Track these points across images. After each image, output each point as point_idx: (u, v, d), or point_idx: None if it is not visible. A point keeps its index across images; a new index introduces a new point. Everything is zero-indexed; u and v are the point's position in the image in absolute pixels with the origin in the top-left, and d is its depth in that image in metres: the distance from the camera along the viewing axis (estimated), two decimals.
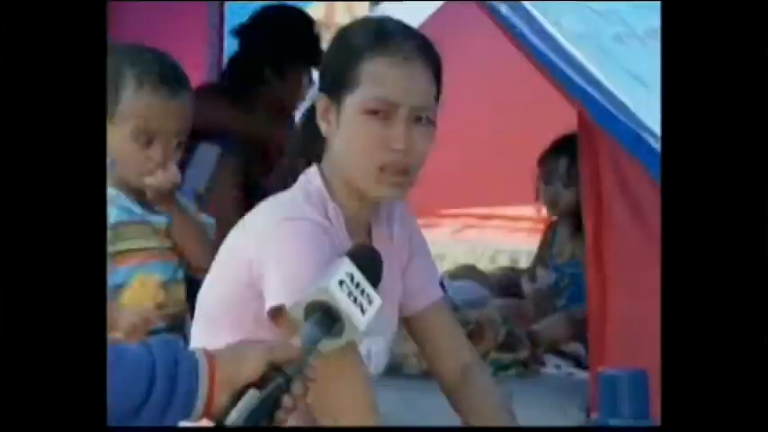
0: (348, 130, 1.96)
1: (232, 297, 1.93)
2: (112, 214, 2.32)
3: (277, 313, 1.84)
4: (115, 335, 2.17)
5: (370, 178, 1.95)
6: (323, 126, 2.00)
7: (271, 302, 1.84)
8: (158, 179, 2.33)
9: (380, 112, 1.93)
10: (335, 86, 1.97)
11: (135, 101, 2.31)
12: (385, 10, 5.18)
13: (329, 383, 1.58)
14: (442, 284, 2.22)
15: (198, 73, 4.03)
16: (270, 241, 1.90)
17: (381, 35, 1.99)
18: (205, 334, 1.94)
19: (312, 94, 2.08)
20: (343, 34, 2.05)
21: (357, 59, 1.95)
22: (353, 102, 1.95)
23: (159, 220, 2.39)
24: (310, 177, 2.01)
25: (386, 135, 1.93)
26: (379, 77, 1.94)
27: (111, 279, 2.27)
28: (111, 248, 2.27)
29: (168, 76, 2.35)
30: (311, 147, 2.04)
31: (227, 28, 4.43)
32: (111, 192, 2.29)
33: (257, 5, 4.61)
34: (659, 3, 2.41)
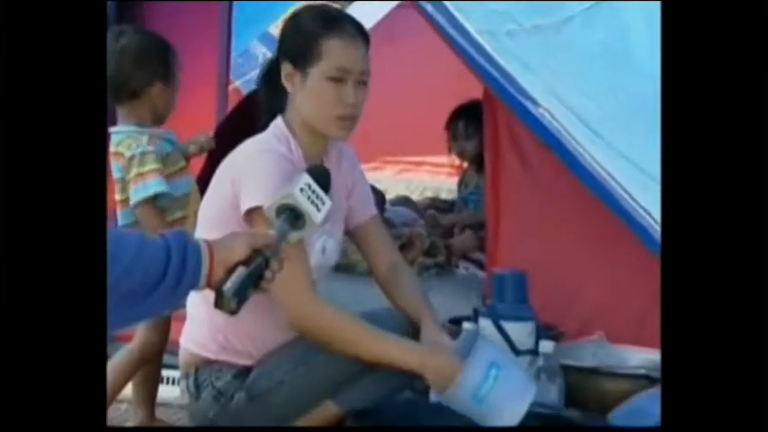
0: (313, 92, 1.96)
1: (221, 206, 1.93)
2: (164, 147, 2.38)
3: (250, 216, 1.86)
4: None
5: (330, 124, 1.97)
6: (288, 86, 1.99)
7: (245, 206, 1.86)
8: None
9: (337, 78, 1.94)
10: (300, 59, 1.96)
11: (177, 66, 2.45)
12: (353, 8, 5.10)
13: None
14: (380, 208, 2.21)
15: (211, 70, 3.84)
16: (247, 166, 1.92)
17: (334, 20, 1.99)
18: (202, 232, 1.94)
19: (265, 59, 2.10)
20: (301, 17, 2.03)
21: (318, 39, 1.95)
22: (318, 71, 1.95)
23: (185, 149, 2.50)
24: (278, 123, 2.02)
25: (341, 94, 1.95)
26: (336, 53, 1.95)
27: (182, 187, 2.39)
28: (172, 168, 2.38)
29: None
30: (274, 101, 2.03)
31: (235, 26, 4.03)
32: (161, 132, 2.40)
33: (265, 5, 4.43)
34: (544, 3, 2.40)
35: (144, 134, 2.37)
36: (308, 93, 1.96)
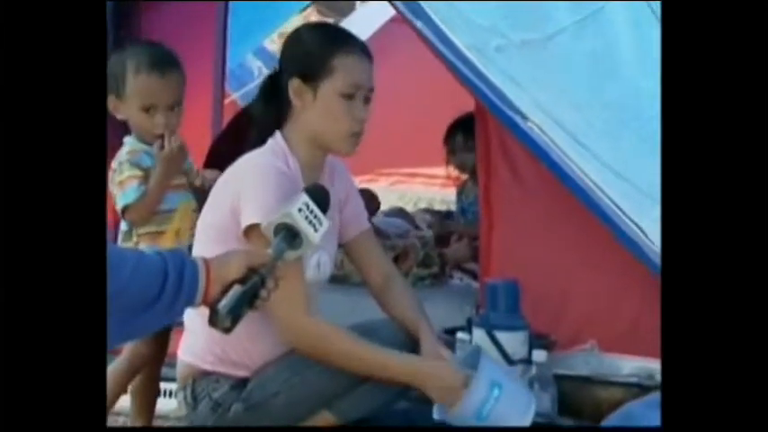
0: (326, 108, 1.95)
1: (221, 220, 1.94)
2: (144, 160, 2.28)
3: (249, 232, 1.85)
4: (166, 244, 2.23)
5: (341, 141, 1.98)
6: (296, 102, 1.97)
7: (245, 222, 1.86)
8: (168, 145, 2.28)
9: (349, 95, 1.95)
10: (311, 74, 1.95)
11: (137, 82, 2.26)
12: (351, 23, 5.11)
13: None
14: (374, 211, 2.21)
15: (206, 79, 3.76)
16: (247, 181, 1.92)
17: (344, 38, 2.00)
18: (202, 247, 1.94)
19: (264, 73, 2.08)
20: (309, 33, 2.03)
21: (330, 55, 1.95)
22: (331, 87, 1.95)
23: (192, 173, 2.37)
24: (276, 139, 2.01)
25: (352, 110, 1.95)
26: (350, 69, 1.95)
27: (166, 202, 2.27)
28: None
29: (157, 60, 2.27)
30: (273, 117, 2.02)
31: (231, 28, 3.84)
32: (144, 146, 2.29)
33: (262, 5, 4.40)
34: (532, 18, 2.40)
35: (126, 145, 2.36)
36: (320, 108, 1.96)
